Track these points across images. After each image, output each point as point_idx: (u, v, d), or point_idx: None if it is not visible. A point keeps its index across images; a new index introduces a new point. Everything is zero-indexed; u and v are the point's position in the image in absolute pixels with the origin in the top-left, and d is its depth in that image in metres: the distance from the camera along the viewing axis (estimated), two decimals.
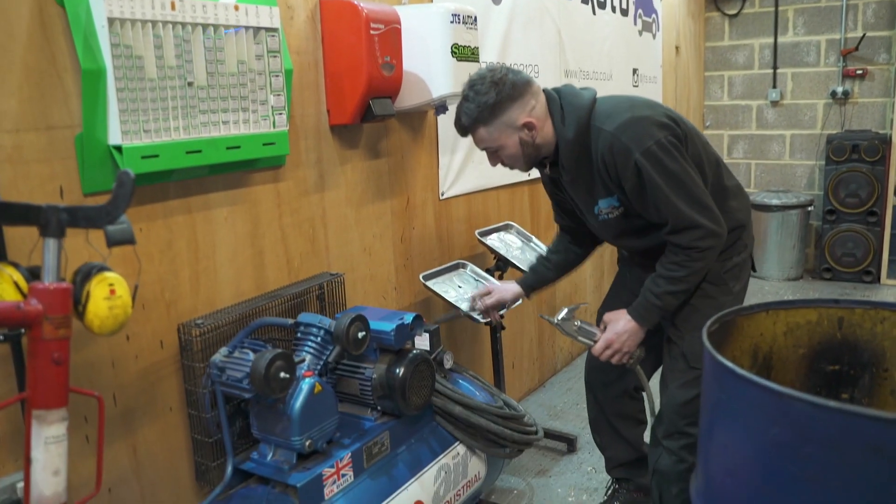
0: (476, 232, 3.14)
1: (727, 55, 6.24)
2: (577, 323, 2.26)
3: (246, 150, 2.02)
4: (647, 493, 2.39)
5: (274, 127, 2.10)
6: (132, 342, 1.92)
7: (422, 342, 2.38)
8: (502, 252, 3.11)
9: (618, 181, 2.04)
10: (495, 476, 2.61)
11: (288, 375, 1.82)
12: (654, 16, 5.04)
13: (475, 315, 2.66)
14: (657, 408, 2.29)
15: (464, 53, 2.50)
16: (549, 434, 3.33)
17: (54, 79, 1.69)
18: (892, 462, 1.08)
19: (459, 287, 2.88)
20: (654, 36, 5.05)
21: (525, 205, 3.75)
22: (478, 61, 2.58)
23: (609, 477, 2.71)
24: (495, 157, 2.15)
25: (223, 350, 1.93)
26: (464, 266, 2.98)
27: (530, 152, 2.11)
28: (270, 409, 1.91)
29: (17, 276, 1.43)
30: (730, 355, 1.63)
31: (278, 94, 2.09)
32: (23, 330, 1.42)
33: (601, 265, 4.62)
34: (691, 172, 2.00)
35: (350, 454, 2.00)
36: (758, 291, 5.58)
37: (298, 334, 2.08)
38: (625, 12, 4.56)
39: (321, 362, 2.04)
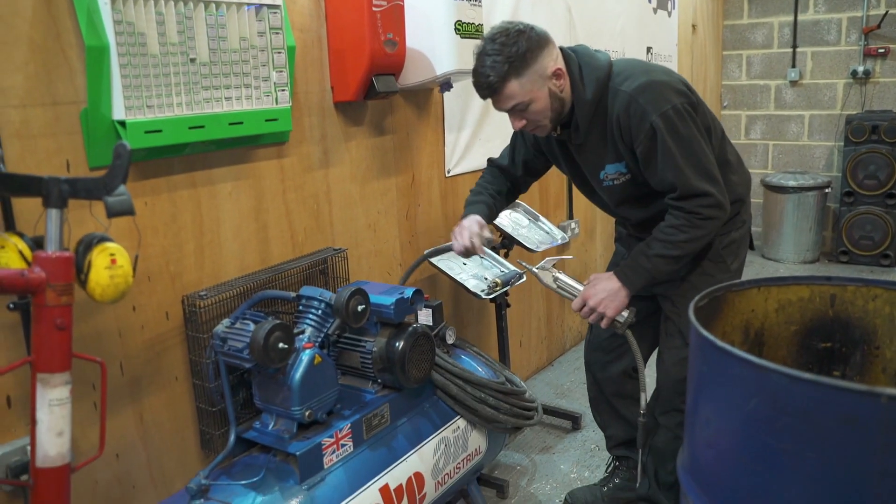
0: None
1: (746, 33, 6.16)
2: (557, 274, 2.22)
3: (248, 125, 2.05)
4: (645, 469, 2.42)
5: (276, 103, 2.13)
6: (138, 313, 1.97)
7: (425, 317, 2.41)
8: (509, 231, 3.13)
9: (630, 144, 2.02)
10: (497, 451, 2.65)
11: (286, 346, 1.86)
12: None
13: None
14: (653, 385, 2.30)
15: (468, 30, 2.51)
16: (554, 412, 3.37)
17: (59, 55, 1.73)
18: (864, 433, 1.10)
19: (464, 264, 2.91)
20: (669, 14, 5.00)
21: (534, 184, 3.74)
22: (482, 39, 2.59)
23: (610, 455, 2.74)
24: (521, 116, 2.04)
25: (225, 321, 1.98)
26: None
27: (557, 107, 2.03)
28: (272, 380, 1.96)
29: (22, 246, 1.48)
30: (720, 331, 1.65)
31: (280, 71, 2.12)
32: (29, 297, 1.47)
33: (612, 245, 4.61)
34: (702, 142, 2.00)
35: (350, 425, 2.04)
36: (772, 274, 5.54)
37: (300, 307, 2.12)
38: None
39: (322, 335, 2.08)
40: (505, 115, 2.10)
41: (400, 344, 2.12)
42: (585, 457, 3.06)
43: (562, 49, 2.07)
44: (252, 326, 1.89)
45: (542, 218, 3.35)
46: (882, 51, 5.56)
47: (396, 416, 2.21)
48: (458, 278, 2.77)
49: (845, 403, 1.11)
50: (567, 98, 2.04)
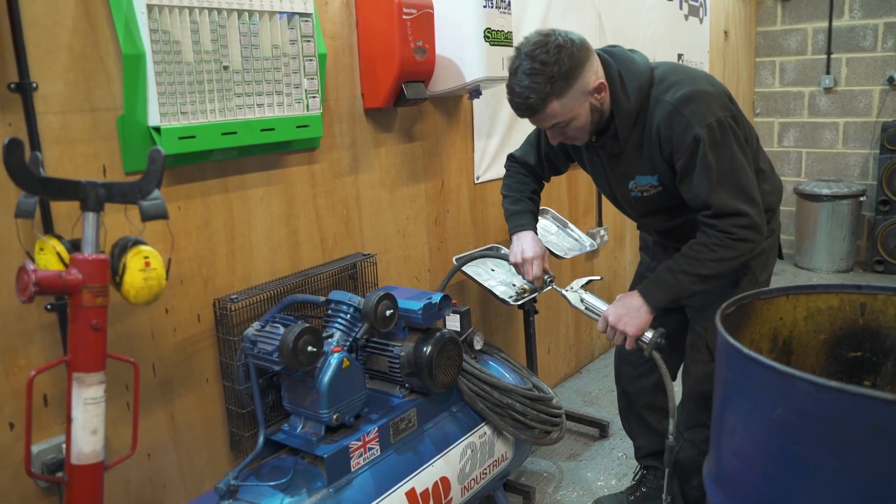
0: None
1: (779, 40, 6.09)
2: (584, 296, 2.20)
3: (280, 132, 2.09)
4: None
5: (307, 110, 2.16)
6: (171, 315, 2.01)
7: (452, 323, 2.43)
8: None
9: (669, 157, 1.94)
10: (523, 457, 2.65)
11: (315, 349, 1.88)
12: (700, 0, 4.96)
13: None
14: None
15: (497, 38, 2.52)
16: (582, 419, 3.35)
17: (97, 63, 1.78)
18: (891, 441, 1.09)
19: (493, 270, 2.92)
20: (700, 20, 4.97)
21: (562, 191, 3.75)
22: (511, 46, 2.60)
23: (638, 464, 2.72)
24: (561, 133, 1.97)
25: (255, 324, 2.01)
26: (498, 249, 3.01)
27: (596, 119, 1.95)
28: (300, 383, 1.99)
29: (61, 248, 1.53)
30: (748, 339, 1.64)
31: (312, 78, 2.15)
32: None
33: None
34: (743, 159, 1.91)
35: (377, 429, 2.06)
36: (805, 283, 5.46)
37: (329, 311, 2.15)
38: None
39: (350, 339, 2.10)
40: None
41: (427, 349, 2.13)
42: (613, 465, 3.04)
43: (596, 51, 1.97)
44: (282, 330, 1.91)
45: (570, 225, 3.35)
46: None
47: (423, 421, 2.23)
48: (486, 284, 2.79)
49: (871, 412, 1.10)
50: (607, 109, 1.96)
